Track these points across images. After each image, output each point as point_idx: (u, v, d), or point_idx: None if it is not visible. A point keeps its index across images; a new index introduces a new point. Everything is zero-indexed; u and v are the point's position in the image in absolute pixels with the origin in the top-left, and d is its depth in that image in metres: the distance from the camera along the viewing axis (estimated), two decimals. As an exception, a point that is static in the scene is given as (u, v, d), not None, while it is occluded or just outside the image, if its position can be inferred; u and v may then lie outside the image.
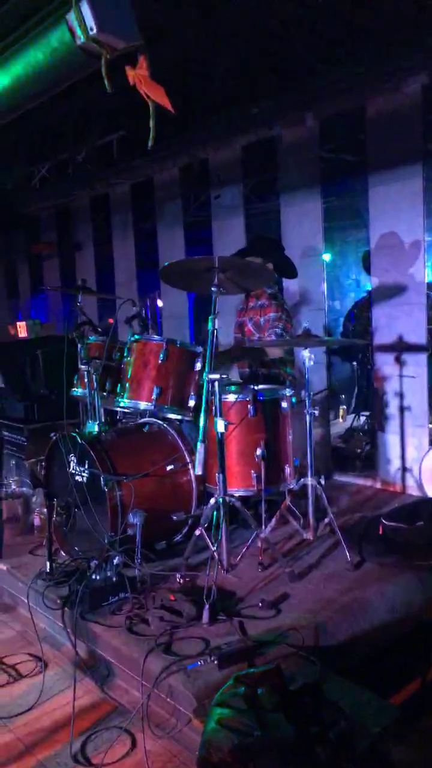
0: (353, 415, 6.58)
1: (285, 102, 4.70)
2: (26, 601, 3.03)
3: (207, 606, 2.59)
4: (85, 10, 2.27)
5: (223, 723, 1.65)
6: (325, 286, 5.14)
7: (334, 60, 4.02)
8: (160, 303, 6.70)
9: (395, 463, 4.65)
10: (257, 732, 1.59)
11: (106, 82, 2.19)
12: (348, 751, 1.54)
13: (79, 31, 2.29)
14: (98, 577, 2.84)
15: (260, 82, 4.46)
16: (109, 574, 2.85)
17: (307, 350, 3.28)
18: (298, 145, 5.11)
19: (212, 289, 3.00)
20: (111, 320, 4.15)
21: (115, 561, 2.88)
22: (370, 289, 5.02)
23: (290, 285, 5.16)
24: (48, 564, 3.16)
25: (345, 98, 4.67)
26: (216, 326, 3.00)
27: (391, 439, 4.67)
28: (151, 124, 2.28)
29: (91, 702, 2.54)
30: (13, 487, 4.24)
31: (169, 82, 2.45)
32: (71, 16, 2.31)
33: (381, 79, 4.31)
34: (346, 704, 1.70)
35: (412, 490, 4.50)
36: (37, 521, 3.87)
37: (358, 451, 5.77)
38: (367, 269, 5.18)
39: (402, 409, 4.56)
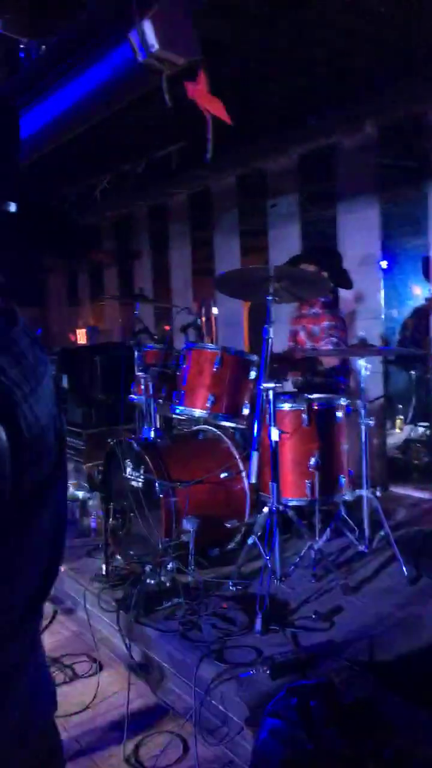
0: (411, 426, 6.44)
1: (343, 112, 4.67)
2: (83, 602, 3.10)
3: (260, 615, 2.59)
4: (147, 27, 2.34)
5: (275, 734, 1.65)
6: (382, 294, 5.07)
7: (392, 70, 3.97)
8: (215, 311, 6.75)
9: (455, 476, 4.52)
10: (309, 745, 1.58)
11: (166, 96, 2.24)
12: (402, 770, 1.51)
13: (140, 48, 2.35)
14: (152, 582, 2.88)
15: (319, 93, 4.45)
16: (162, 578, 2.89)
17: (363, 360, 3.24)
18: (356, 152, 5.07)
19: (267, 297, 3.01)
20: (167, 327, 4.22)
21: (169, 566, 2.92)
22: (429, 296, 4.92)
23: (347, 293, 5.11)
24: (104, 567, 3.23)
25: (404, 106, 4.61)
26: (271, 335, 3.00)
27: (450, 451, 4.55)
28: (209, 136, 2.31)
29: (145, 705, 2.57)
30: (72, 490, 4.35)
31: (227, 95, 2.49)
32: (133, 34, 2.38)
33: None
34: (400, 723, 1.66)
35: (473, 505, 4.37)
36: (93, 524, 3.96)
37: (416, 462, 5.64)
38: (426, 276, 5.08)
39: (462, 421, 4.44)
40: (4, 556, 0.66)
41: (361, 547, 3.29)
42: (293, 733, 1.64)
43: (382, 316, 5.08)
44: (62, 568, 3.55)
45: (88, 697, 2.63)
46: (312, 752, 1.57)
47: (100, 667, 2.87)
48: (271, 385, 2.91)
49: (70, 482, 4.54)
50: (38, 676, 0.83)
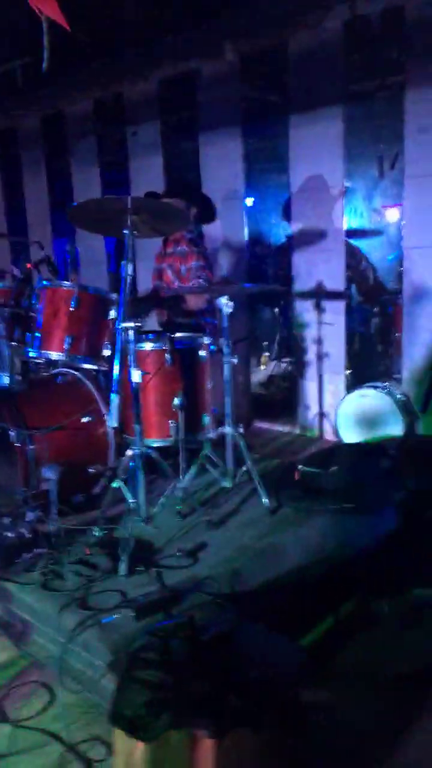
0: (275, 362, 6.64)
1: (201, 34, 4.45)
2: None
3: (123, 558, 2.57)
4: None
5: (135, 676, 1.64)
6: (246, 231, 5.05)
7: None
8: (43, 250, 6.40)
9: (313, 409, 4.73)
10: (170, 684, 1.59)
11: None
12: (261, 698, 1.56)
13: None
14: (11, 534, 2.75)
15: (176, 12, 4.19)
16: (22, 530, 2.76)
17: (224, 297, 3.21)
18: (217, 81, 4.89)
19: (125, 231, 2.84)
20: (29, 265, 3.91)
21: (29, 517, 2.79)
22: (290, 234, 4.98)
23: (211, 230, 5.03)
24: (-44, 523, 3.03)
25: (266, 32, 4.48)
26: (131, 272, 2.86)
27: (309, 385, 4.74)
28: (45, 42, 2.07)
29: (8, 659, 2.48)
30: None
31: (76, 8, 2.23)
32: None
33: (303, 12, 4.15)
34: (258, 652, 1.72)
35: (329, 436, 4.62)
36: None
37: (279, 398, 5.85)
38: (287, 216, 5.12)
39: (320, 356, 4.62)
40: None
41: (225, 483, 3.36)
42: (154, 674, 1.64)
43: (246, 254, 5.07)
44: None
45: None
46: (173, 690, 1.58)
47: (-43, 626, 2.73)
48: (131, 324, 2.80)
49: None
50: None
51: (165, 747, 1.56)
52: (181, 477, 3.16)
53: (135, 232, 2.88)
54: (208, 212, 4.28)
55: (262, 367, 7.49)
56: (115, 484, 2.90)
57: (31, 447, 2.97)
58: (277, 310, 6.78)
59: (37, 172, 6.63)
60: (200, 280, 3.90)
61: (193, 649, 1.69)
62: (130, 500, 2.81)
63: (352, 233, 5.33)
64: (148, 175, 5.43)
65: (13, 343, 3.39)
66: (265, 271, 7.06)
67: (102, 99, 5.78)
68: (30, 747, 2.04)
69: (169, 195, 4.08)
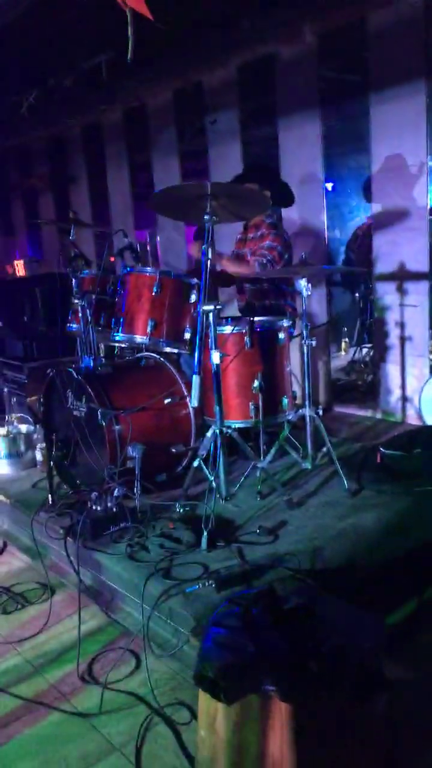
0: (355, 348, 6.55)
1: (279, 16, 4.42)
2: (31, 533, 3.09)
3: (205, 533, 2.64)
4: None
5: (218, 641, 1.70)
6: (325, 214, 4.99)
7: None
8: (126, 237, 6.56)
9: (396, 393, 4.64)
10: (251, 649, 1.64)
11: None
12: (340, 665, 1.59)
13: None
14: (99, 509, 2.89)
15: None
16: (109, 505, 2.90)
17: (304, 280, 3.21)
18: (295, 63, 4.85)
19: (205, 217, 2.90)
20: (112, 259, 4.06)
21: (116, 493, 2.92)
22: (370, 215, 4.88)
23: (290, 214, 5.01)
24: (50, 497, 3.22)
25: (344, 10, 4.39)
26: (209, 256, 2.92)
27: (391, 369, 4.65)
28: (129, 32, 2.14)
29: (98, 626, 2.63)
30: (15, 424, 4.27)
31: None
32: None
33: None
34: (339, 622, 1.74)
35: (412, 420, 4.52)
36: (39, 456, 3.92)
37: (359, 382, 5.77)
38: (368, 197, 5.01)
39: (403, 339, 4.52)
40: None
41: (305, 465, 3.37)
42: (236, 638, 1.69)
43: (326, 237, 5.02)
44: (7, 500, 3.53)
45: (41, 622, 2.67)
46: (254, 655, 1.63)
47: (52, 593, 2.91)
48: (211, 307, 2.86)
49: (14, 416, 4.46)
50: None
51: (245, 709, 1.61)
52: (261, 458, 3.20)
53: (214, 217, 2.94)
54: (285, 196, 4.26)
55: (342, 353, 7.39)
56: (196, 464, 2.98)
57: (117, 427, 3.10)
58: (357, 294, 6.66)
59: (120, 164, 6.82)
60: (262, 259, 3.86)
61: (274, 617, 1.73)
62: (211, 479, 2.88)
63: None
64: (226, 162, 5.47)
65: (98, 328, 3.54)
66: (346, 254, 6.94)
67: (182, 88, 5.86)
68: (118, 708, 2.16)
69: (242, 181, 4.08)
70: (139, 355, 3.61)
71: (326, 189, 5.15)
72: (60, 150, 7.72)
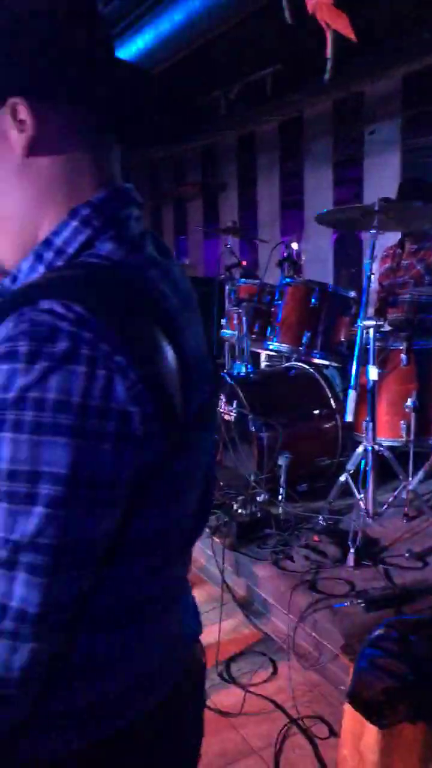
0: None
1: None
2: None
3: (352, 549, 2.62)
4: None
5: (376, 664, 1.68)
6: None
7: None
8: (294, 246, 6.55)
9: None
10: (411, 677, 1.61)
11: (286, 12, 2.10)
12: None
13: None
14: (244, 512, 2.96)
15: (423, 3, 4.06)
16: (254, 509, 2.95)
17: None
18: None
19: (371, 231, 2.88)
20: (244, 263, 4.13)
21: (260, 498, 2.98)
22: None
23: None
24: (196, 496, 3.33)
25: None
26: (373, 270, 2.90)
27: None
28: (329, 53, 2.17)
29: (238, 628, 2.68)
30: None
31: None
32: None
33: None
34: None
35: None
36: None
37: None
38: None
39: None
40: (174, 477, 0.68)
41: (456, 491, 3.22)
42: (394, 664, 1.67)
43: None
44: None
45: (182, 617, 2.77)
46: (414, 684, 1.60)
47: (191, 588, 3.00)
48: (372, 323, 2.83)
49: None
50: (188, 598, 0.88)
51: (398, 737, 1.59)
52: (410, 478, 3.11)
53: (381, 231, 2.90)
54: None
55: None
56: (342, 478, 2.96)
57: (266, 434, 3.15)
58: None
59: (271, 173, 6.92)
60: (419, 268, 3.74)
61: (436, 647, 1.69)
62: (358, 495, 2.85)
63: None
64: (383, 172, 5.37)
65: (252, 336, 3.62)
66: None
67: (342, 98, 5.83)
68: (257, 712, 2.20)
69: (402, 197, 3.97)
70: (287, 364, 3.64)
71: None
72: (212, 159, 7.97)
